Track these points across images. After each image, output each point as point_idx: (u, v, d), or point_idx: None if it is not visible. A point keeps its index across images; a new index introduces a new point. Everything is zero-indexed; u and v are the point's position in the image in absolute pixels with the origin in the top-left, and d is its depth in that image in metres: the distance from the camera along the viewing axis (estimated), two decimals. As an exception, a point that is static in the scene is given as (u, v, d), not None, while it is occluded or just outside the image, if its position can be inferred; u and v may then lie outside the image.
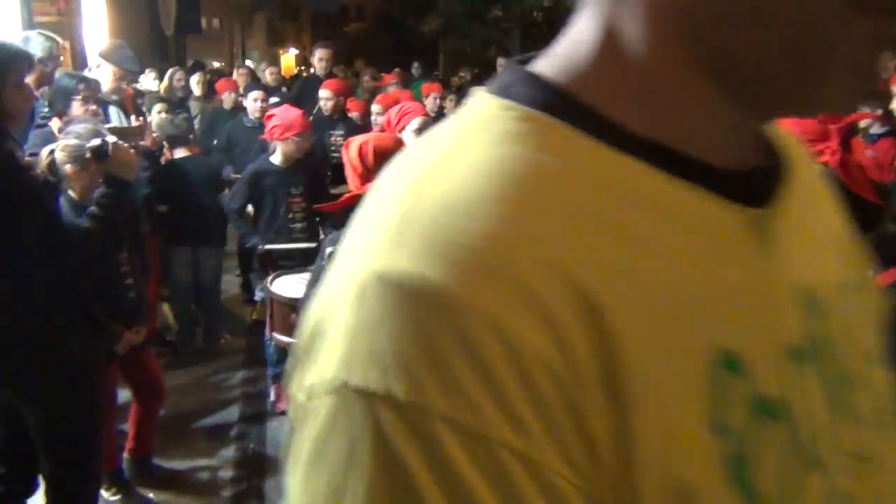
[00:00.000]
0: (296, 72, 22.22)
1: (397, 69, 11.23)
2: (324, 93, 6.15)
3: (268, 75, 9.03)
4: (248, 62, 32.34)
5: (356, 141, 2.36)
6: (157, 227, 4.58)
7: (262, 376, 4.86)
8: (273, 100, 5.68)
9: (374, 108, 5.58)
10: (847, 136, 2.42)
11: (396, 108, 4.39)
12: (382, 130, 4.91)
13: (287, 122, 4.15)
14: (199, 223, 4.88)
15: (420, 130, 4.22)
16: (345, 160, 2.42)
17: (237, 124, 6.33)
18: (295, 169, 4.30)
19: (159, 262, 4.65)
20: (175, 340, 5.18)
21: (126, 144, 2.45)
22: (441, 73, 19.11)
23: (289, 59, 39.73)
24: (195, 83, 7.81)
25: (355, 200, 2.45)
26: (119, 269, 2.96)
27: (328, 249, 2.39)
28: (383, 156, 2.32)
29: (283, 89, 8.78)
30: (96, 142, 2.46)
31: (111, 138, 2.38)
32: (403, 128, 4.27)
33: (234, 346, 5.38)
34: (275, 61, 19.33)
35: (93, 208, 2.50)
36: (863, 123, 3.25)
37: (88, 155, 2.48)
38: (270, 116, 4.22)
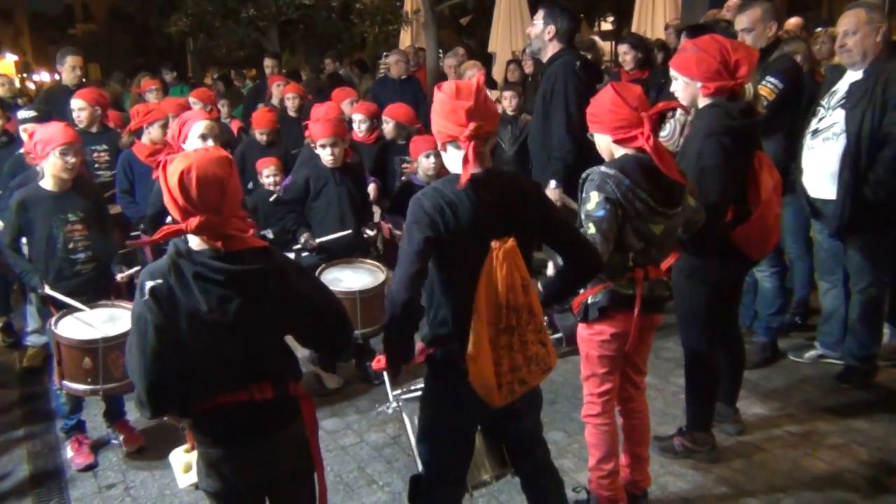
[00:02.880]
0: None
1: (147, 75, 10.34)
2: (76, 103, 5.45)
3: (-1, 87, 7.89)
4: (-45, 71, 28.24)
5: (176, 165, 2.09)
6: None
7: (47, 430, 4.30)
8: (24, 112, 4.98)
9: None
10: (657, 124, 2.64)
11: (178, 119, 4.07)
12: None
13: (46, 135, 3.62)
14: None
15: (205, 136, 3.93)
16: (162, 185, 2.14)
17: (-29, 147, 5.51)
18: (70, 193, 3.79)
19: None
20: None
21: None
22: (193, 76, 18.10)
23: (7, 65, 35.37)
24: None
25: (174, 234, 2.18)
26: None
27: (148, 284, 2.10)
28: (209, 185, 2.09)
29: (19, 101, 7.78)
30: None
31: None
32: (187, 137, 3.97)
33: (7, 400, 4.69)
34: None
35: None
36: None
37: None
38: (32, 135, 3.68)
